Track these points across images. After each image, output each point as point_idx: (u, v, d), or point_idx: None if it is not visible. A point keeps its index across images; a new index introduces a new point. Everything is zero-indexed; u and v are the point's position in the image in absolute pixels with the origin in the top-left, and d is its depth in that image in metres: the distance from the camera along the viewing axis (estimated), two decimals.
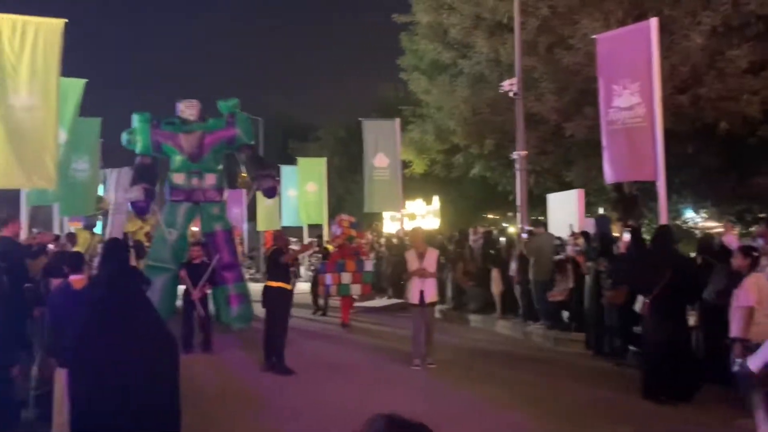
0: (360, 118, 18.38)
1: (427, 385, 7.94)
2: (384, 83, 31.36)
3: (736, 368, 5.39)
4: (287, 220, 22.20)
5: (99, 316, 4.53)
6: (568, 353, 9.69)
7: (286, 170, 22.23)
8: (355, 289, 12.86)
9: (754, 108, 12.77)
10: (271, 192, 13.02)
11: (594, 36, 11.19)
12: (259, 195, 24.45)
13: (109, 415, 4.18)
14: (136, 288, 4.78)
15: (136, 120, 12.40)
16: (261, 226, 25.06)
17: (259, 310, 11.05)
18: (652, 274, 6.94)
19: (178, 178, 12.32)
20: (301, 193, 21.38)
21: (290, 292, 9.03)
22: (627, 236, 8.32)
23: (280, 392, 7.65)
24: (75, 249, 9.50)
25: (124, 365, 4.25)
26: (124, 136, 12.42)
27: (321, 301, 14.47)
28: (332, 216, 25.27)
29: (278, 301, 8.75)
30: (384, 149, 17.48)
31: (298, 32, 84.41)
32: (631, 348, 8.30)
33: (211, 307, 11.11)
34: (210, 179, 12.43)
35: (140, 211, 12.27)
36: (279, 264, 8.82)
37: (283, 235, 9.89)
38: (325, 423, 6.38)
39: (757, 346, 4.94)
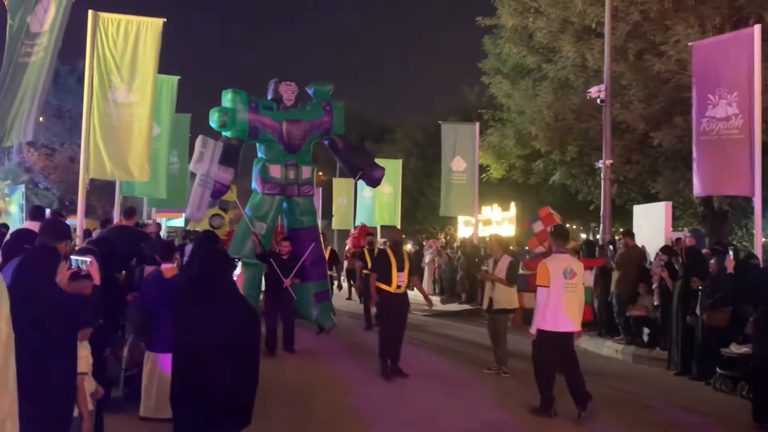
0: (439, 121, 18.35)
1: (498, 394, 7.82)
2: (464, 86, 31.27)
3: None
4: (361, 220, 22.41)
5: (191, 299, 4.73)
6: (648, 371, 9.35)
7: None
8: None
9: None
10: (379, 181, 12.45)
11: (689, 43, 10.77)
12: (336, 193, 25.06)
13: (201, 393, 4.43)
14: (225, 272, 4.91)
15: (230, 99, 11.35)
16: (336, 224, 25.49)
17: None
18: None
19: (275, 171, 11.45)
20: (377, 194, 21.51)
21: (394, 295, 8.46)
22: (725, 256, 7.98)
23: (362, 397, 7.73)
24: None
25: (214, 345, 4.46)
26: (216, 116, 11.25)
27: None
28: (406, 218, 25.45)
29: (382, 304, 8.54)
30: (462, 153, 17.39)
31: (376, 32, 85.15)
32: (719, 371, 7.92)
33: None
34: (306, 172, 11.70)
35: (216, 194, 11.15)
36: (379, 264, 8.62)
37: (391, 232, 9.39)
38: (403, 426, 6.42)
39: None
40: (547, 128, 16.61)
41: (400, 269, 8.43)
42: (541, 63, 17.05)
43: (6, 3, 7.53)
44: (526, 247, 9.66)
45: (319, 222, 26.03)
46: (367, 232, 18.17)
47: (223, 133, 11.45)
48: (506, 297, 8.75)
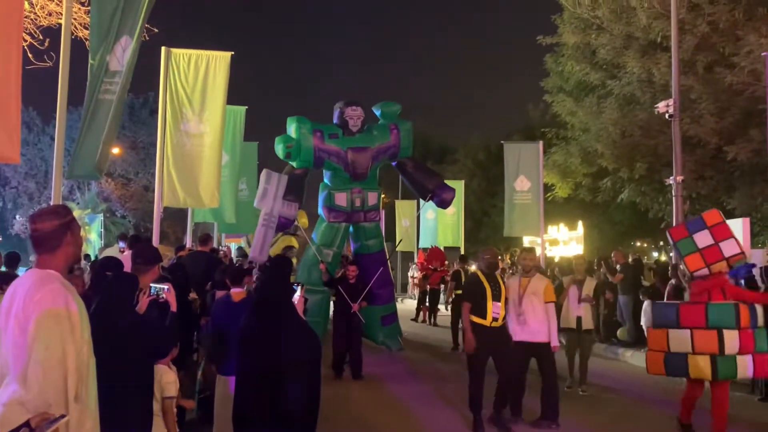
0: (502, 141, 18.22)
1: (576, 413, 7.62)
2: (526, 105, 31.03)
3: None
4: (424, 242, 22.41)
5: (251, 323, 4.84)
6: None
7: None
8: (743, 366, 6.18)
9: None
10: (449, 202, 12.33)
11: (763, 53, 10.38)
12: (399, 215, 25.13)
13: (259, 414, 4.52)
14: (284, 296, 4.96)
15: (295, 128, 11.22)
16: (400, 247, 25.53)
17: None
18: None
19: (341, 199, 11.37)
20: (440, 215, 21.50)
21: (489, 329, 6.87)
22: None
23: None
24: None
25: (274, 369, 4.55)
26: (281, 147, 11.14)
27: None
28: (469, 239, 25.25)
29: (478, 341, 6.86)
30: (526, 172, 17.10)
31: (436, 53, 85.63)
32: None
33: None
34: (372, 198, 11.56)
35: (281, 228, 10.93)
36: (471, 291, 7.14)
37: (484, 253, 7.42)
38: None
39: None
40: (613, 145, 16.28)
41: (496, 298, 6.88)
42: (606, 79, 16.79)
43: (87, 44, 8.00)
44: (681, 267, 6.62)
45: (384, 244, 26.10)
46: (441, 255, 18.23)
47: (289, 163, 11.43)
48: (590, 317, 9.13)
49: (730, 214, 14.77)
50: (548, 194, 19.53)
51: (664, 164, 15.26)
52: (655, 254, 24.28)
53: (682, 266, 10.76)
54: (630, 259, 13.51)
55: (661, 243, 20.34)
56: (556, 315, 7.17)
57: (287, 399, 4.49)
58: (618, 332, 12.68)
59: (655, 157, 15.86)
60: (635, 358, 11.67)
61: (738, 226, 11.56)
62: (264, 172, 10.41)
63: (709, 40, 13.68)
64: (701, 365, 6.13)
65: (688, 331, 6.21)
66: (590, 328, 9.06)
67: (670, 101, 12.53)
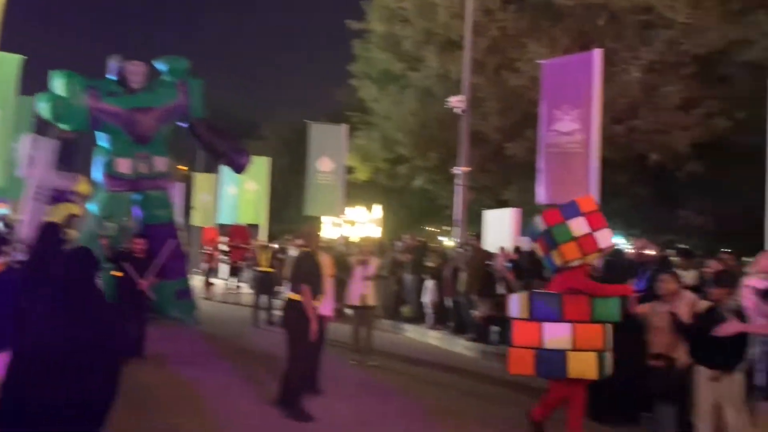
0: (306, 120, 18.31)
1: (363, 384, 8.08)
2: (334, 87, 31.46)
3: None
4: (224, 218, 21.86)
5: (42, 299, 4.33)
6: (495, 368, 9.86)
7: (225, 167, 21.76)
8: (610, 363, 5.68)
9: (684, 143, 13.47)
10: (244, 167, 11.77)
11: (539, 61, 11.58)
12: (198, 188, 24.25)
13: (37, 403, 4.04)
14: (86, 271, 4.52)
15: (65, 84, 10.01)
16: (197, 221, 24.62)
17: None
18: None
19: (123, 166, 10.47)
20: (241, 191, 21.09)
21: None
22: None
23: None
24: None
25: (66, 354, 4.11)
26: (47, 106, 9.90)
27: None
28: (273, 218, 24.96)
29: (302, 322, 6.50)
30: (329, 153, 17.41)
31: (243, 25, 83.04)
32: None
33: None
34: (160, 164, 10.78)
35: (56, 201, 9.76)
36: (309, 271, 6.60)
37: (312, 231, 7.24)
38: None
39: None
40: (411, 135, 17.17)
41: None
42: (407, 71, 17.57)
43: None
44: (552, 256, 5.91)
45: (182, 218, 24.93)
46: (244, 232, 17.83)
47: (58, 126, 10.19)
48: (373, 294, 9.54)
49: (506, 204, 16.37)
50: (349, 176, 20.08)
51: (454, 155, 16.44)
52: (442, 238, 26.14)
53: (460, 250, 11.68)
54: (417, 242, 14.39)
55: (446, 228, 21.90)
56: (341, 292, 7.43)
57: (78, 387, 3.99)
58: (402, 309, 13.50)
59: (447, 148, 17.00)
60: (416, 333, 12.59)
61: (509, 216, 12.87)
62: (28, 137, 9.19)
63: (499, 44, 14.93)
64: (586, 362, 5.40)
65: (569, 325, 5.46)
66: (373, 305, 9.57)
67: (462, 97, 13.53)
